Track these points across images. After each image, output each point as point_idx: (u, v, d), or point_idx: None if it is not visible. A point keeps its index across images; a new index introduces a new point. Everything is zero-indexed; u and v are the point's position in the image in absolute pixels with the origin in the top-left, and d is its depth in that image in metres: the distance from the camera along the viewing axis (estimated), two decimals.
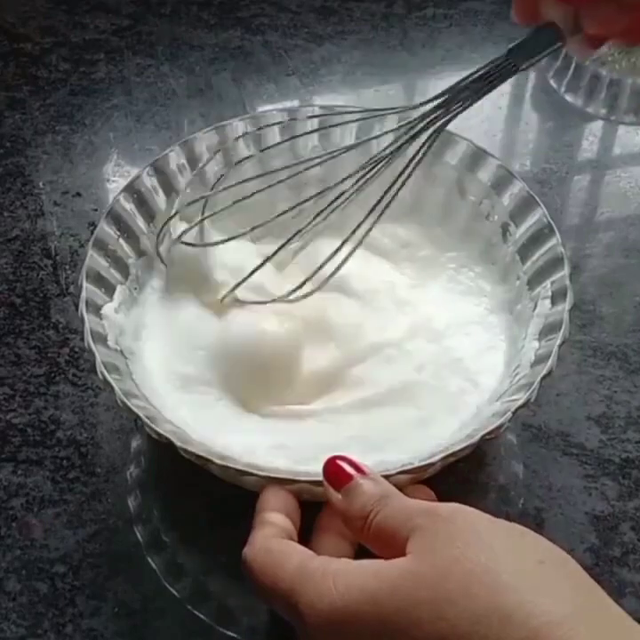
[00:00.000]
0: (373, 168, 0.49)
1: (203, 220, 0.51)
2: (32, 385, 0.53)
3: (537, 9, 0.46)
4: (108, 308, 0.48)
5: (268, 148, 0.54)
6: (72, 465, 0.50)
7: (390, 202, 0.49)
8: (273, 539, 0.39)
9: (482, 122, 0.67)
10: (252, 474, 0.41)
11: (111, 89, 0.70)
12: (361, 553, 0.39)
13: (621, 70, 0.72)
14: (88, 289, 0.48)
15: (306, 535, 0.41)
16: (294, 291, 0.49)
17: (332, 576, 0.35)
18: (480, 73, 0.47)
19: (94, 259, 0.49)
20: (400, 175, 0.49)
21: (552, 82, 0.71)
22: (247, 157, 0.54)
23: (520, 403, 0.43)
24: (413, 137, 0.49)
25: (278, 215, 0.50)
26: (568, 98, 0.70)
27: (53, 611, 0.45)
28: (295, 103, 0.69)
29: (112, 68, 0.71)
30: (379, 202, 0.49)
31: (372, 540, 0.38)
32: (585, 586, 0.35)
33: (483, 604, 0.33)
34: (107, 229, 0.51)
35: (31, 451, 0.51)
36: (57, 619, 0.45)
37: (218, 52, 0.72)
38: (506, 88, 0.71)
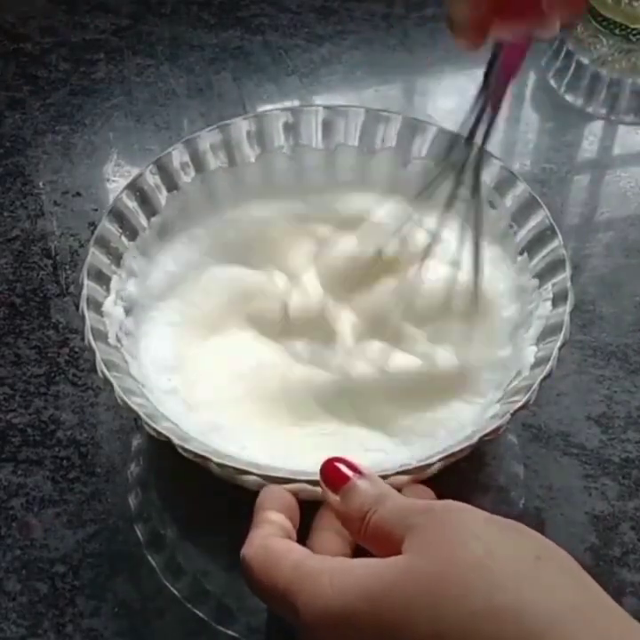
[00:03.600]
0: None
1: None
2: (32, 385, 0.53)
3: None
4: (108, 304, 0.48)
5: None
6: (72, 465, 0.50)
7: None
8: (271, 538, 0.39)
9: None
10: (250, 473, 0.41)
11: (111, 89, 0.70)
12: (359, 553, 0.39)
13: (621, 70, 0.72)
14: (89, 286, 0.48)
15: (304, 534, 0.41)
16: None
17: (328, 574, 0.35)
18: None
19: (96, 256, 0.49)
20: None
21: (552, 82, 0.71)
22: None
23: (519, 404, 0.43)
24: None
25: None
26: (568, 98, 0.70)
27: (53, 611, 0.45)
28: (295, 103, 0.69)
29: (112, 68, 0.71)
30: None
31: (370, 540, 0.38)
32: (582, 582, 0.35)
33: (479, 602, 0.33)
34: (108, 227, 0.50)
35: (31, 451, 0.51)
36: (57, 619, 0.45)
37: (218, 52, 0.72)
38: None
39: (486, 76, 0.44)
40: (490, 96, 0.44)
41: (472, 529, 0.35)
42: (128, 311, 0.50)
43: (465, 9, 0.39)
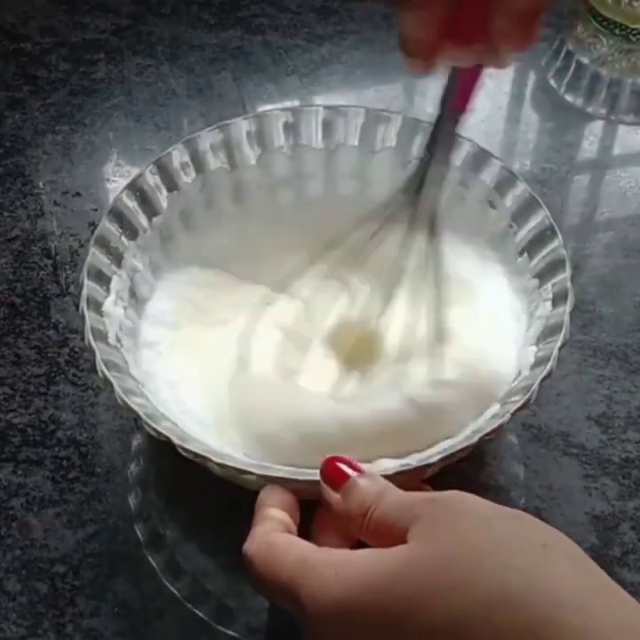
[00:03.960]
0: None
1: None
2: (32, 385, 0.53)
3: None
4: (108, 304, 0.48)
5: None
6: (72, 465, 0.50)
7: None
8: (273, 533, 0.39)
9: (482, 122, 0.67)
10: (250, 473, 0.42)
11: (111, 89, 0.70)
12: None
13: (621, 70, 0.72)
14: (89, 286, 0.48)
15: (304, 535, 0.41)
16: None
17: (332, 566, 0.35)
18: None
19: (96, 256, 0.49)
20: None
21: (552, 82, 0.71)
22: None
23: (519, 405, 0.43)
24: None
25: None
26: (568, 98, 0.70)
27: (53, 611, 0.45)
28: (295, 103, 0.69)
29: (112, 68, 0.71)
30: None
31: (372, 535, 0.38)
32: (589, 568, 0.35)
33: (487, 589, 0.33)
34: (108, 226, 0.50)
35: (31, 451, 0.51)
36: (57, 619, 0.45)
37: (218, 52, 0.72)
38: (506, 88, 0.71)
39: (442, 102, 0.43)
40: (445, 123, 0.44)
41: (477, 517, 0.35)
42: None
43: (416, 30, 0.38)
